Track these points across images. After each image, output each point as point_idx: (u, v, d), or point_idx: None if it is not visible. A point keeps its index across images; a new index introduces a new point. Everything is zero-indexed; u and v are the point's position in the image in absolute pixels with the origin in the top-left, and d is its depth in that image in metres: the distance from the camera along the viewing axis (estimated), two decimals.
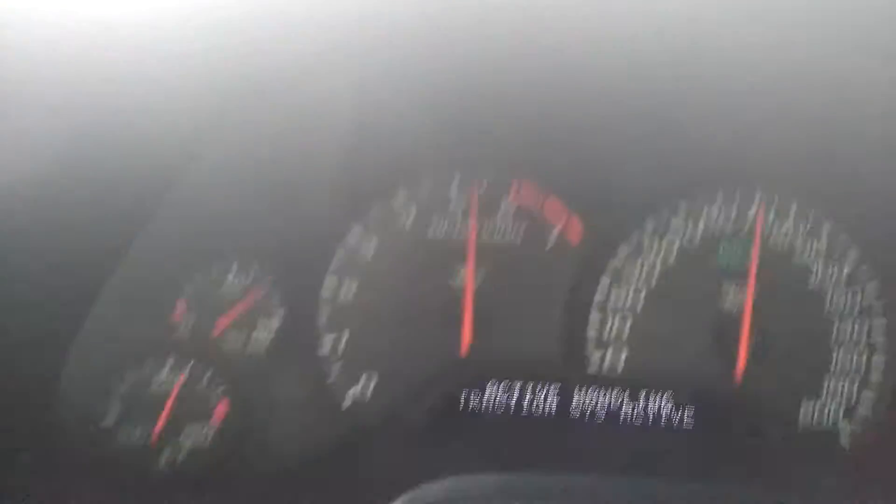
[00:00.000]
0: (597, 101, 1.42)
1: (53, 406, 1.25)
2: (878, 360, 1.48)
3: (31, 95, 0.97)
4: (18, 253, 1.03)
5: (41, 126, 0.97)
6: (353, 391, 1.54)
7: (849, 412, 1.47)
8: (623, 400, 1.51)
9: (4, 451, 1.15)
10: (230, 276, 1.49)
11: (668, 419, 1.50)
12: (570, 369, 1.53)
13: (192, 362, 1.41)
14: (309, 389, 1.51)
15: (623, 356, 1.53)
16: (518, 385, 1.51)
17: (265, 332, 1.50)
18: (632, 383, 1.51)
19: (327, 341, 1.54)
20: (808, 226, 1.51)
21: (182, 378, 1.40)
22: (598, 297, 1.53)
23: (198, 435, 1.40)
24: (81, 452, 1.29)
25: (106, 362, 1.33)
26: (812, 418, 1.48)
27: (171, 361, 1.40)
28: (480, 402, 1.52)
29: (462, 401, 1.52)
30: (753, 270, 1.49)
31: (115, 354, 1.34)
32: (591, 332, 1.53)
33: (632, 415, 1.50)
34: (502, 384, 1.51)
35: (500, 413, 1.51)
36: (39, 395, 1.23)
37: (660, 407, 1.50)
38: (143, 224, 1.27)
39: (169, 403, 1.38)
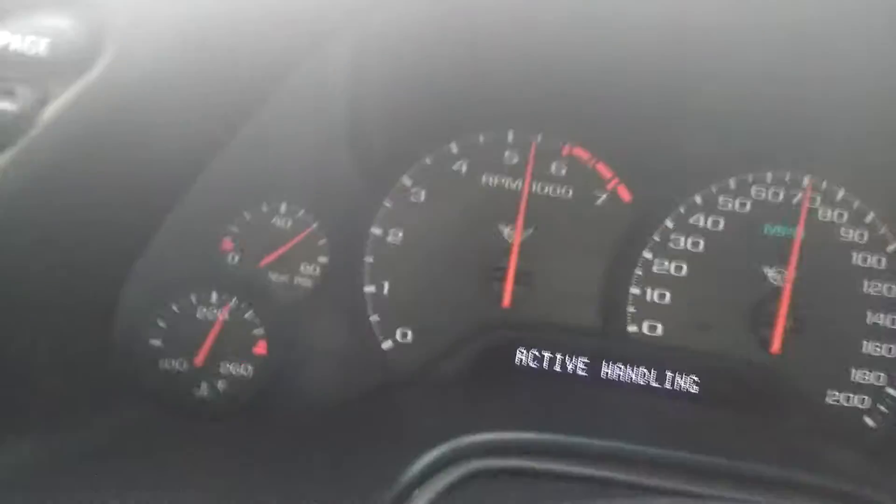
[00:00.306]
0: (652, 74, 1.42)
1: (110, 323, 1.23)
2: None
3: (122, 8, 0.95)
4: (95, 167, 1.00)
5: (132, 48, 0.94)
6: (393, 339, 1.54)
7: (877, 397, 1.52)
8: (656, 369, 1.54)
9: (64, 368, 1.13)
10: (278, 217, 1.47)
11: (698, 391, 1.53)
12: (607, 333, 1.55)
13: (235, 297, 1.40)
14: (349, 334, 1.50)
15: (660, 325, 1.55)
16: (554, 349, 1.54)
17: (309, 275, 1.48)
18: (666, 353, 1.54)
19: (371, 287, 1.53)
20: (852, 214, 1.54)
21: (225, 311, 1.38)
22: (640, 265, 1.55)
23: (237, 367, 1.39)
24: (128, 370, 1.28)
25: (159, 291, 1.31)
26: (841, 400, 1.52)
27: (216, 294, 1.38)
28: (517, 359, 1.54)
29: (499, 356, 1.54)
30: (795, 253, 1.52)
31: (168, 284, 1.32)
32: (631, 299, 1.55)
33: (663, 384, 1.53)
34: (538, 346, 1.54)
35: (534, 372, 1.54)
36: (98, 316, 1.21)
37: (691, 379, 1.53)
38: (203, 162, 1.24)
39: (211, 334, 1.36)
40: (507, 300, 1.51)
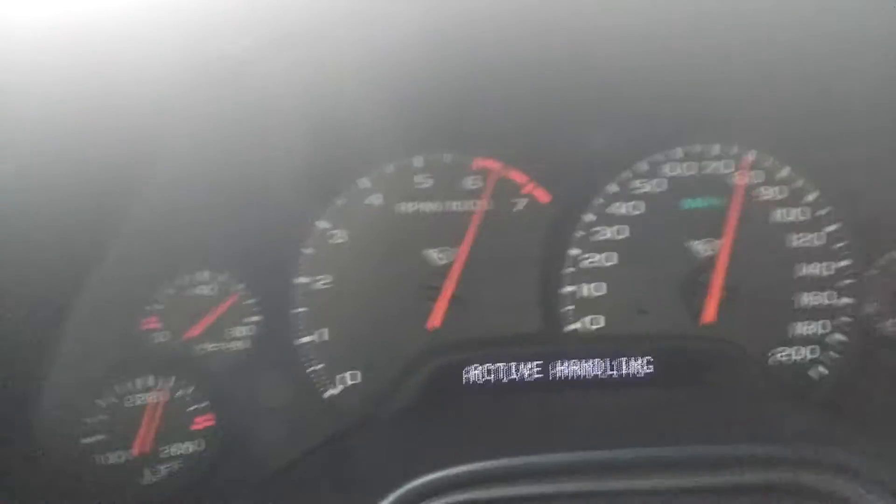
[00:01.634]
0: (546, 73, 1.41)
1: (34, 429, 1.20)
2: (844, 302, 1.53)
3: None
4: None
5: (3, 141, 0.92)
6: (340, 384, 1.52)
7: (824, 346, 1.53)
8: (601, 361, 1.53)
9: None
10: (201, 285, 1.44)
11: (647, 375, 1.53)
12: (548, 336, 1.55)
13: (168, 376, 1.37)
14: (293, 388, 1.48)
15: (601, 317, 1.55)
16: (502, 360, 1.53)
17: (243, 337, 1.46)
18: (608, 343, 1.54)
19: (310, 337, 1.51)
20: (768, 171, 1.55)
21: (158, 392, 1.35)
22: (570, 262, 1.54)
23: (181, 447, 1.36)
24: (65, 473, 1.25)
25: (81, 379, 1.28)
26: (783, 361, 1.52)
27: (147, 377, 1.35)
28: (467, 377, 1.52)
29: (448, 378, 1.52)
30: (722, 223, 1.52)
31: (91, 370, 1.29)
32: (568, 297, 1.54)
33: (611, 375, 1.53)
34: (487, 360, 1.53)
35: (485, 388, 1.52)
36: (17, 415, 1.17)
37: (637, 364, 1.53)
38: (110, 237, 1.22)
39: (146, 417, 1.33)
40: (437, 320, 1.50)
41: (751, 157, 1.55)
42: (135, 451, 1.31)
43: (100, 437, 1.29)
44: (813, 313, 1.54)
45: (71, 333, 1.22)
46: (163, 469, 1.34)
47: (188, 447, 1.37)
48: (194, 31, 1.05)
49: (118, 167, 1.16)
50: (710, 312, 1.49)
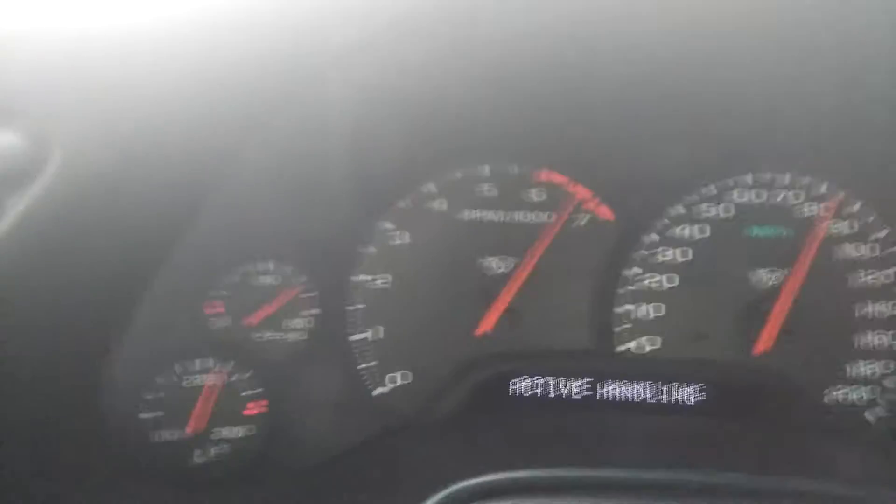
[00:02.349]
0: (618, 90, 1.41)
1: (97, 402, 1.23)
2: None
3: (82, 99, 0.97)
4: (67, 258, 1.02)
5: (95, 130, 0.96)
6: (390, 383, 1.52)
7: (875, 390, 1.49)
8: (652, 384, 1.51)
9: (50, 448, 1.13)
10: (265, 275, 1.47)
11: (697, 403, 1.50)
12: (601, 354, 1.53)
13: (226, 360, 1.39)
14: (345, 383, 1.49)
15: (657, 339, 1.53)
16: (549, 375, 1.52)
17: (301, 329, 1.48)
18: (661, 367, 1.52)
19: (365, 334, 1.52)
20: (838, 206, 1.52)
21: (215, 375, 1.38)
22: (629, 281, 1.53)
23: (232, 431, 1.38)
24: (121, 448, 1.28)
25: (146, 361, 1.31)
26: (839, 400, 1.48)
27: (207, 359, 1.38)
28: (513, 389, 1.52)
29: (495, 388, 1.52)
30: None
31: (155, 353, 1.32)
32: (623, 316, 1.53)
33: (661, 399, 1.51)
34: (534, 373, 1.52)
35: (531, 401, 1.52)
36: (84, 391, 1.21)
37: (688, 390, 1.51)
38: (185, 225, 1.25)
39: (202, 398, 1.36)
40: (489, 325, 1.50)
41: (823, 188, 1.52)
42: (188, 430, 1.33)
43: (156, 413, 1.32)
44: (873, 353, 1.50)
45: (141, 311, 1.26)
46: (213, 451, 1.36)
47: (239, 431, 1.38)
48: (275, 31, 1.08)
49: (196, 164, 1.20)
50: (764, 342, 1.46)
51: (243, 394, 1.40)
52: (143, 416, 1.31)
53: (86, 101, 0.96)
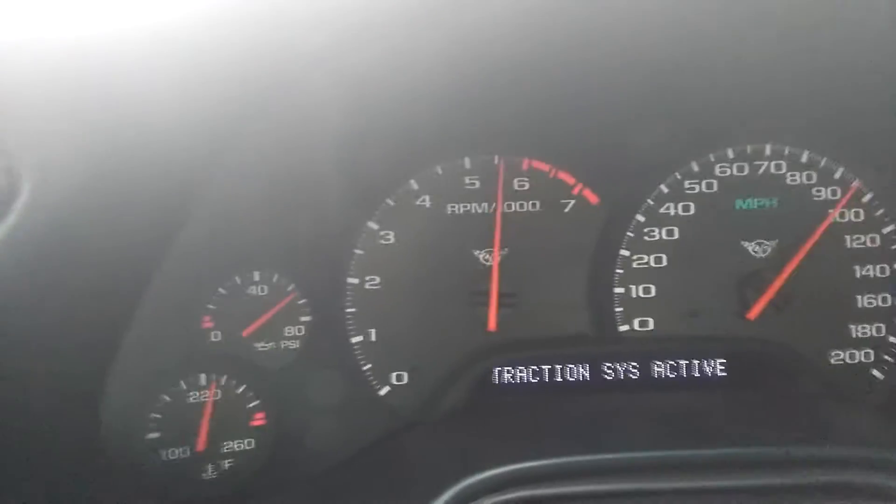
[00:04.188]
0: (596, 73, 1.40)
1: (98, 424, 1.23)
2: None
3: (47, 122, 0.96)
4: (51, 276, 1.02)
5: (63, 153, 0.96)
6: (389, 384, 1.54)
7: (880, 348, 1.51)
8: (652, 362, 1.53)
9: (53, 473, 1.14)
10: (253, 286, 1.47)
11: (702, 378, 1.52)
12: (599, 337, 1.55)
13: (223, 373, 1.40)
14: (344, 387, 1.50)
15: (650, 319, 1.54)
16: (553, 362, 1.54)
17: (294, 337, 1.49)
18: (661, 344, 1.53)
19: (358, 337, 1.53)
20: (821, 173, 1.52)
21: (216, 389, 1.39)
22: (620, 263, 1.54)
23: (239, 443, 1.40)
24: (128, 468, 1.29)
25: (144, 378, 1.32)
26: (845, 358, 1.50)
27: (204, 374, 1.39)
28: (517, 378, 1.53)
29: (497, 378, 1.54)
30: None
31: (152, 370, 1.33)
32: (617, 298, 1.54)
33: (665, 376, 1.53)
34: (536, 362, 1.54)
35: (535, 386, 1.53)
36: (83, 414, 1.21)
37: (689, 365, 1.52)
38: (168, 244, 1.25)
39: (206, 414, 1.37)
40: (492, 324, 1.51)
41: (804, 156, 1.53)
42: (199, 447, 1.34)
43: (163, 433, 1.33)
44: (874, 313, 1.52)
45: (136, 332, 1.26)
46: (224, 464, 1.38)
47: (248, 443, 1.40)
48: (257, 33, 1.07)
49: (178, 176, 1.19)
50: (756, 310, 1.48)
51: (248, 406, 1.41)
52: (150, 436, 1.32)
53: (55, 123, 0.95)
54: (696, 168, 1.55)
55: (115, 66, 0.98)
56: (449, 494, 1.08)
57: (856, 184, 1.52)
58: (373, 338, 1.53)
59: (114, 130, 1.02)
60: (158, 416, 1.34)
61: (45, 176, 0.93)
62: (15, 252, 0.93)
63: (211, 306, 1.43)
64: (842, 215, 1.52)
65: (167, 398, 1.35)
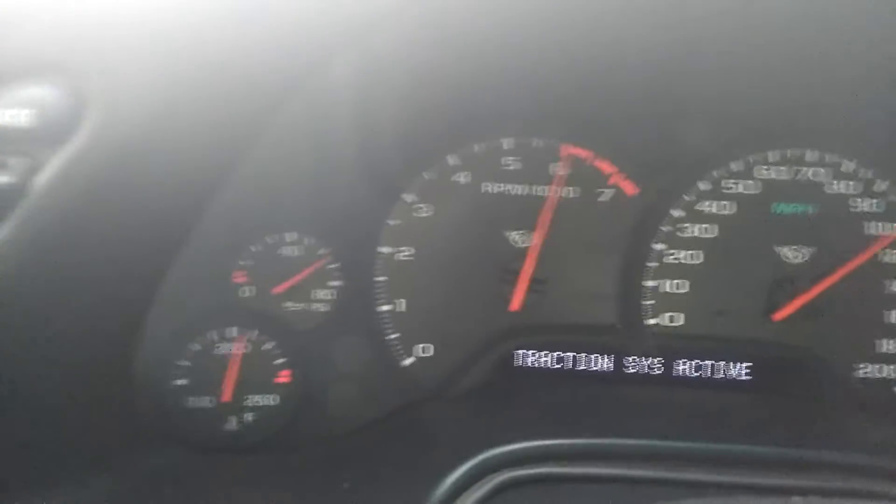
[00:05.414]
0: (641, 65, 1.40)
1: (130, 370, 1.26)
2: None
3: (119, 52, 0.97)
4: (100, 221, 1.03)
5: (131, 86, 0.97)
6: (414, 355, 1.55)
7: None
8: (678, 359, 1.53)
9: (83, 416, 1.16)
10: (289, 246, 1.48)
11: (725, 379, 1.52)
12: (625, 329, 1.55)
13: (253, 329, 1.42)
14: (369, 354, 1.51)
15: (681, 315, 1.54)
16: (576, 349, 1.54)
17: (324, 300, 1.50)
18: (687, 342, 1.53)
19: (387, 306, 1.54)
20: (863, 183, 1.52)
21: (244, 345, 1.41)
22: (653, 257, 1.54)
23: (263, 398, 1.42)
24: (154, 413, 1.31)
25: (178, 331, 1.34)
26: (871, 373, 1.50)
27: (234, 328, 1.41)
28: (540, 362, 1.54)
29: (520, 360, 1.54)
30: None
31: (186, 323, 1.35)
32: (648, 292, 1.54)
33: (688, 374, 1.53)
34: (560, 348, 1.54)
35: (557, 372, 1.54)
36: (117, 360, 1.24)
37: (716, 367, 1.52)
38: (210, 197, 1.27)
39: (233, 368, 1.39)
40: (515, 304, 1.52)
41: (845, 165, 1.52)
42: (222, 397, 1.36)
43: (190, 380, 1.35)
44: None
45: (171, 281, 1.27)
46: (247, 417, 1.40)
47: (270, 399, 1.42)
48: (296, 7, 1.08)
49: (224, 134, 1.20)
50: (784, 314, 1.48)
51: (274, 363, 1.42)
52: (177, 382, 1.34)
53: (125, 60, 0.96)
54: (736, 167, 1.54)
55: (183, 23, 1.00)
56: (465, 467, 1.10)
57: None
58: (402, 308, 1.54)
59: (178, 78, 1.02)
60: (187, 363, 1.36)
61: (112, 107, 0.94)
62: (70, 180, 0.94)
63: (244, 262, 1.44)
64: (877, 228, 1.51)
65: (197, 347, 1.36)
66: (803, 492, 1.01)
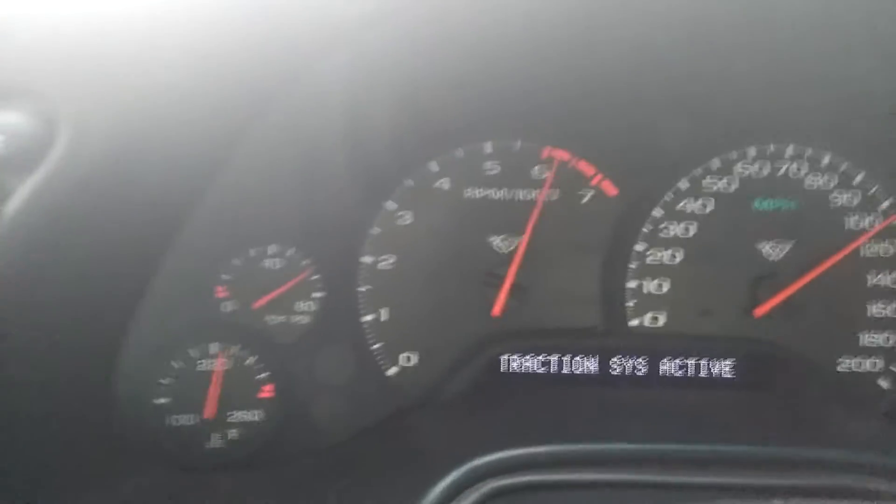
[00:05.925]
0: (620, 67, 1.40)
1: (111, 389, 1.24)
2: None
3: (88, 78, 0.96)
4: (76, 242, 1.02)
5: (100, 109, 0.96)
6: (398, 365, 1.54)
7: (889, 358, 1.51)
8: (662, 358, 1.53)
9: (64, 436, 1.14)
10: (269, 259, 1.47)
11: (710, 376, 1.52)
12: (609, 330, 1.55)
13: (235, 344, 1.41)
14: (353, 365, 1.50)
15: (662, 315, 1.54)
16: (561, 352, 1.54)
17: (306, 312, 1.48)
18: (670, 341, 1.54)
19: (369, 316, 1.53)
20: (841, 177, 1.52)
21: (226, 358, 1.39)
22: (634, 257, 1.54)
23: (246, 414, 1.40)
24: (136, 433, 1.29)
25: (158, 349, 1.33)
26: (851, 368, 1.50)
27: (215, 344, 1.39)
28: (522, 366, 1.54)
29: (505, 365, 1.54)
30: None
31: (166, 341, 1.33)
32: (630, 293, 1.54)
33: (672, 373, 1.53)
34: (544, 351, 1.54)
35: (542, 376, 1.53)
36: (97, 378, 1.22)
37: (700, 365, 1.52)
38: (189, 212, 1.26)
39: (214, 385, 1.37)
40: (497, 309, 1.51)
41: (826, 159, 1.52)
42: (204, 414, 1.35)
43: (171, 399, 1.34)
44: (884, 322, 1.52)
45: (152, 299, 1.26)
46: (230, 434, 1.38)
47: (254, 414, 1.40)
48: (274, 13, 1.07)
49: (201, 146, 1.19)
50: (765, 308, 1.48)
51: (257, 377, 1.41)
52: (159, 401, 1.32)
53: (94, 81, 0.95)
54: (716, 165, 1.54)
55: (154, 34, 0.99)
56: (453, 476, 1.09)
57: (874, 189, 1.51)
58: (384, 317, 1.53)
59: (149, 96, 1.02)
60: (168, 381, 1.34)
61: (83, 129, 0.93)
62: (41, 206, 0.93)
63: (225, 276, 1.43)
64: (857, 222, 1.52)
65: (177, 364, 1.35)
66: (790, 491, 1.01)
